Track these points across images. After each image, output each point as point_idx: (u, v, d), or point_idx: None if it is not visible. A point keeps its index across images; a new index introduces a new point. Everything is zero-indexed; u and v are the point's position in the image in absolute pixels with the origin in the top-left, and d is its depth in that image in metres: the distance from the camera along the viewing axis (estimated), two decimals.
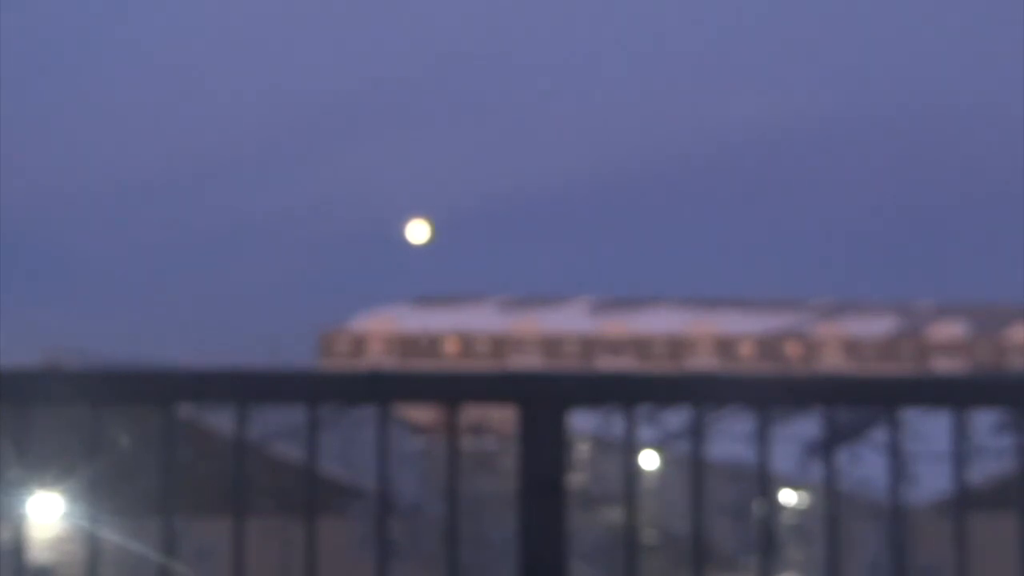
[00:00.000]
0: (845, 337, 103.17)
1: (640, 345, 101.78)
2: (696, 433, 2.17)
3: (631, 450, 2.17)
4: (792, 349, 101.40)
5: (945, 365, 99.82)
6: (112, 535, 2.10)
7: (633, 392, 2.13)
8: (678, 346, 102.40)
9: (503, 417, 2.54)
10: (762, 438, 2.21)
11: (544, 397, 2.09)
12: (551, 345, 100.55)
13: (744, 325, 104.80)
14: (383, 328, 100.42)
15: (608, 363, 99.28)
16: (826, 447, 2.22)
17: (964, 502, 2.19)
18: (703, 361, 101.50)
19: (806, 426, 2.36)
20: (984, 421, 2.21)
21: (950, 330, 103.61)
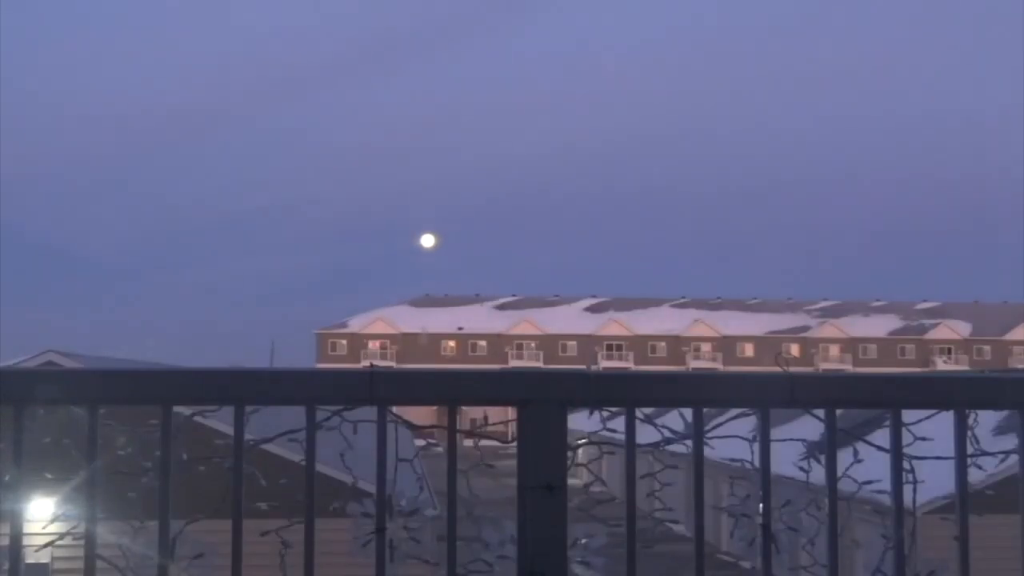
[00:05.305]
0: (845, 337, 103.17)
1: (640, 345, 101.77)
2: (696, 433, 2.17)
3: (631, 450, 2.17)
4: (792, 349, 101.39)
5: (945, 365, 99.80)
6: (111, 535, 2.10)
7: (633, 392, 2.12)
8: (678, 346, 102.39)
9: (503, 417, 2.54)
10: (762, 438, 2.21)
11: (544, 397, 2.08)
12: (551, 345, 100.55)
13: (744, 325, 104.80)
14: (383, 328, 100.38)
15: (608, 363, 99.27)
16: (826, 447, 2.22)
17: (964, 502, 2.19)
18: (703, 361, 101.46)
19: (806, 426, 2.35)
20: (985, 421, 2.21)
21: (950, 330, 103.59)
